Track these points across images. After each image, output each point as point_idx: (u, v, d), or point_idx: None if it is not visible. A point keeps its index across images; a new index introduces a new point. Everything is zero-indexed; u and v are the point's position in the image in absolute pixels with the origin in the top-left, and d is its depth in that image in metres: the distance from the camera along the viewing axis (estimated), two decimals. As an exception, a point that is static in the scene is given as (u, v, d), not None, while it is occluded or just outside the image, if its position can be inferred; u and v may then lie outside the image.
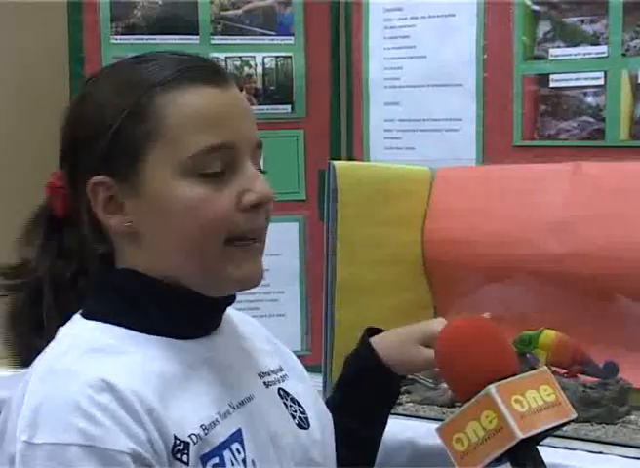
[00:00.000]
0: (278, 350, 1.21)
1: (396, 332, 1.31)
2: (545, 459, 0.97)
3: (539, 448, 0.98)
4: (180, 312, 1.03)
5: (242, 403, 1.05)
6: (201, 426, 0.97)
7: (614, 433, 1.53)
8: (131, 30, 2.06)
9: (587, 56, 1.87)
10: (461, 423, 0.97)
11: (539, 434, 0.96)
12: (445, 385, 1.66)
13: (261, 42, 2.11)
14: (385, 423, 1.32)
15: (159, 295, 1.02)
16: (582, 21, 1.87)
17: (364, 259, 1.80)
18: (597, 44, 1.85)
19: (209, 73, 1.02)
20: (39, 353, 1.01)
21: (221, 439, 0.99)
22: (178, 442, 0.95)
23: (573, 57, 1.88)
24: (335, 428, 1.20)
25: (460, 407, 1.00)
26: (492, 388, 0.96)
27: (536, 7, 1.92)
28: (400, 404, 1.63)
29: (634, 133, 1.83)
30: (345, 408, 1.27)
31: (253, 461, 1.01)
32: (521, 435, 0.94)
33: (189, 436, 0.96)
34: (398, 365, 1.29)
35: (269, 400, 1.11)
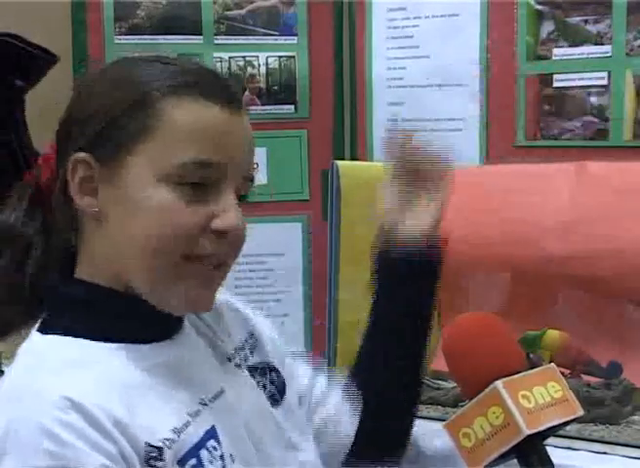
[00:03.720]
0: (244, 317, 1.19)
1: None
2: (548, 459, 0.97)
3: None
4: (140, 318, 1.01)
5: (214, 398, 1.04)
6: (172, 430, 0.96)
7: (617, 433, 1.53)
8: (134, 30, 2.06)
9: (591, 56, 1.87)
10: (468, 419, 0.97)
11: (545, 430, 0.96)
12: (448, 385, 1.66)
13: (265, 42, 2.11)
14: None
15: (116, 303, 1.01)
16: (586, 21, 1.87)
17: (367, 259, 1.79)
18: (601, 44, 1.85)
19: (225, 94, 1.01)
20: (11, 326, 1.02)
21: (195, 439, 0.98)
22: (150, 449, 0.94)
23: (576, 57, 1.88)
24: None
25: (464, 405, 1.00)
26: (499, 384, 0.96)
27: (539, 7, 1.92)
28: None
29: (638, 133, 1.83)
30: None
31: (231, 455, 1.00)
32: (527, 431, 0.93)
33: (162, 441, 0.95)
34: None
35: (242, 386, 1.10)
